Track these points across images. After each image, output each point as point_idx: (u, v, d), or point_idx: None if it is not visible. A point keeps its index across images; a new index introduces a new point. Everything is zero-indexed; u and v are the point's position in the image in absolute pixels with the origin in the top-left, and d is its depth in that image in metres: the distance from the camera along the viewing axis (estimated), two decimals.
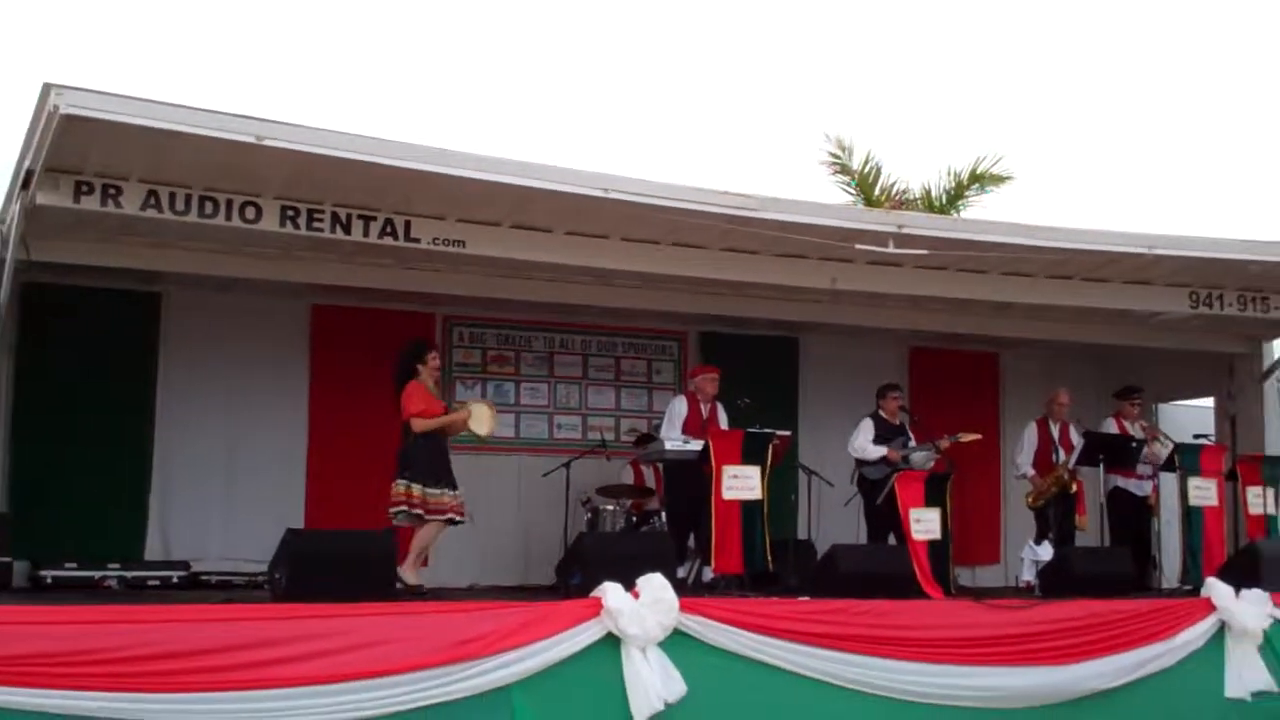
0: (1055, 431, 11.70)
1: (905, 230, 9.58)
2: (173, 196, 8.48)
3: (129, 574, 10.13)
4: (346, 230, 8.96)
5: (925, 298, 11.36)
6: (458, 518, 9.37)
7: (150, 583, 10.12)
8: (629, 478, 11.89)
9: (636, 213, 9.07)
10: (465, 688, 7.52)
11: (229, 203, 8.62)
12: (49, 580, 9.83)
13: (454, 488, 9.36)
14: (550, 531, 11.30)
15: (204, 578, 10.50)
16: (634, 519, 11.19)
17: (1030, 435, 11.84)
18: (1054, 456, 11.54)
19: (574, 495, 11.43)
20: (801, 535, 11.84)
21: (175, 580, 10.25)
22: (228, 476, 11.43)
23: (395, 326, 11.64)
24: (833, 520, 11.83)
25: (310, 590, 7.63)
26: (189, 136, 7.58)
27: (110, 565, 10.09)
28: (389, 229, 9.06)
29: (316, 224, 8.86)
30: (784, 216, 9.24)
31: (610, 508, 11.13)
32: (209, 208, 8.58)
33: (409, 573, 9.22)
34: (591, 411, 12.85)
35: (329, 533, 9.57)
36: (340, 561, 7.96)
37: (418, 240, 9.15)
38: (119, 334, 10.98)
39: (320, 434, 11.67)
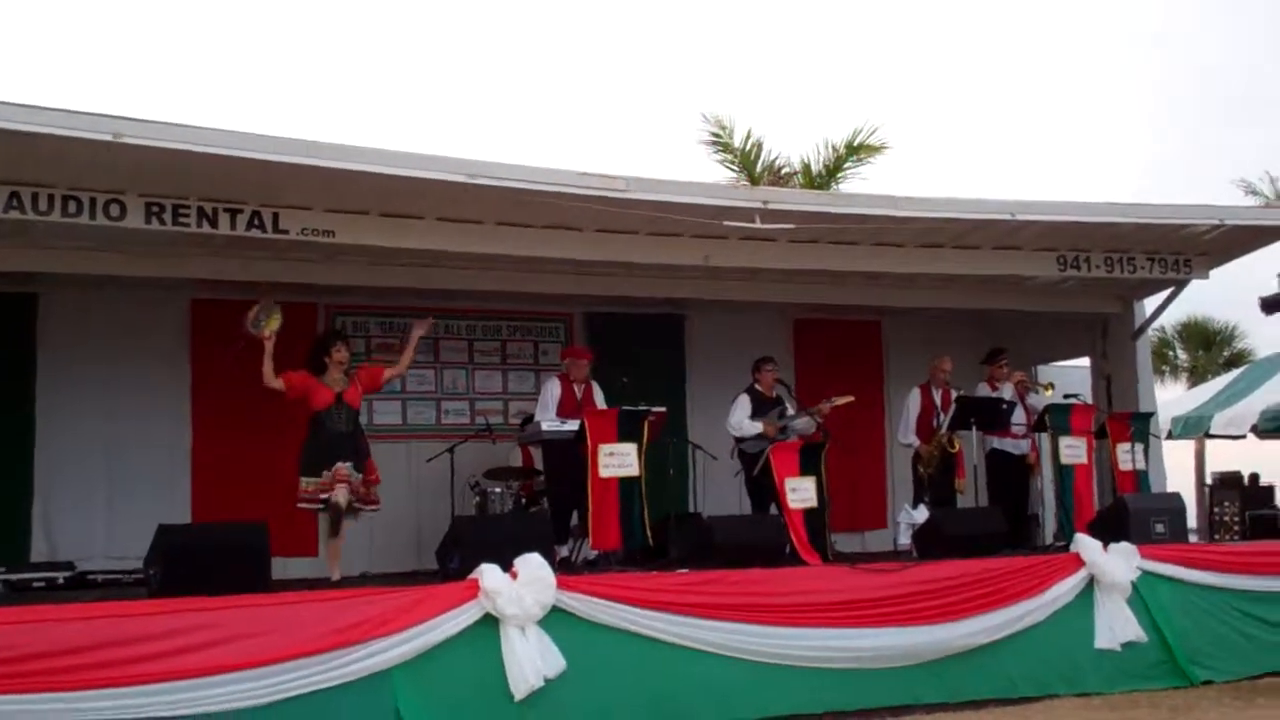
0: (938, 397, 11.98)
1: (771, 206, 9.73)
2: (35, 197, 8.46)
3: (13, 576, 10.09)
4: (213, 224, 8.94)
5: (800, 271, 11.51)
6: (338, 494, 9.46)
7: (35, 584, 10.08)
8: (518, 460, 11.97)
9: (506, 198, 9.15)
10: (346, 673, 7.61)
11: (93, 201, 8.60)
12: None
13: (354, 467, 9.55)
14: (441, 517, 11.32)
15: (90, 577, 10.45)
16: (524, 500, 11.30)
17: (913, 402, 12.12)
18: (935, 421, 11.82)
19: (463, 480, 11.50)
20: (690, 509, 12.06)
21: (61, 581, 10.20)
22: (111, 475, 11.42)
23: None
24: (720, 493, 12.03)
25: (185, 584, 7.69)
26: (46, 137, 7.56)
27: None
28: (256, 221, 9.06)
29: (182, 219, 8.84)
30: (651, 196, 9.36)
31: (499, 490, 11.23)
32: (73, 207, 8.56)
33: (332, 566, 9.55)
34: (479, 396, 12.93)
35: (202, 526, 9.65)
36: (214, 554, 8.03)
37: (286, 231, 9.16)
38: None
39: (204, 430, 11.68)
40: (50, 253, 9.76)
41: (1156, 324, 14.27)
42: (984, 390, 12.16)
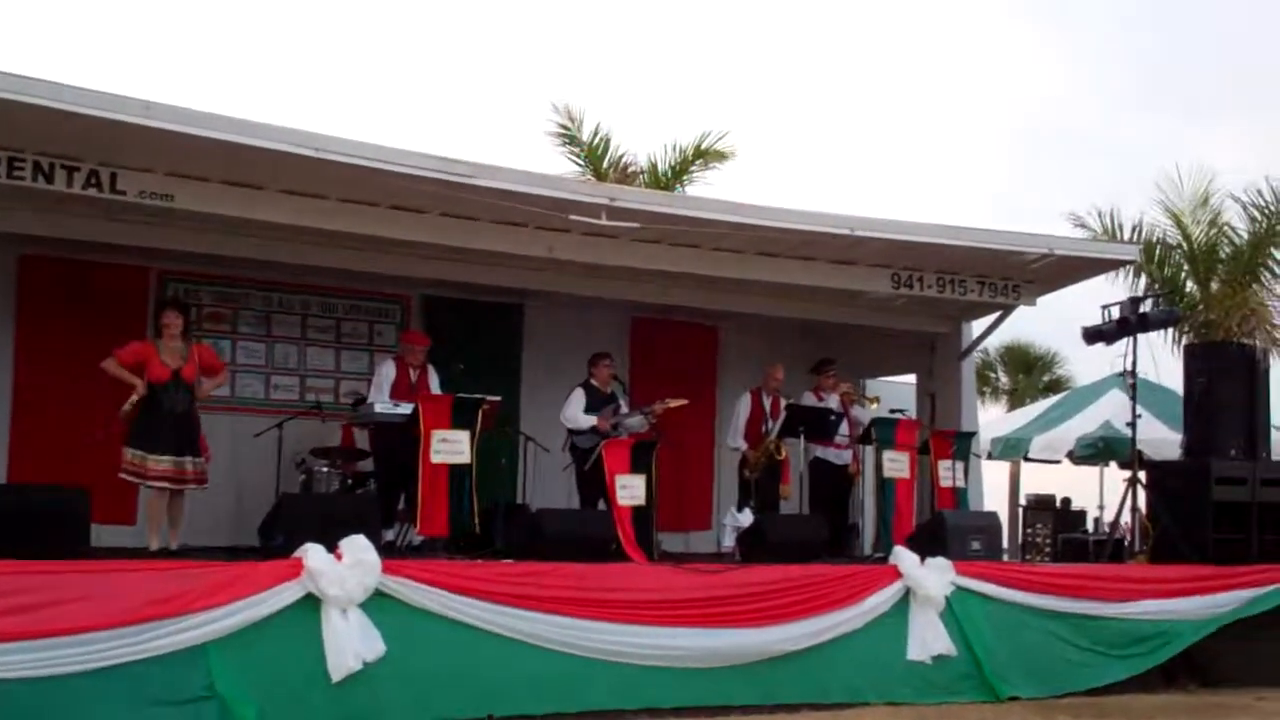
0: (768, 404, 12.22)
1: (617, 203, 9.85)
2: None
3: None
4: (49, 180, 8.75)
5: (641, 270, 11.64)
6: (171, 485, 9.44)
7: None
8: (337, 439, 11.88)
9: (351, 174, 9.10)
10: (161, 645, 7.48)
11: None
12: None
13: (191, 454, 9.52)
14: (263, 493, 11.16)
15: None
16: (349, 481, 11.21)
17: (743, 407, 12.33)
18: (764, 427, 12.03)
19: (289, 457, 11.36)
20: (519, 500, 12.09)
21: None
22: None
23: (107, 280, 11.48)
24: (550, 486, 12.07)
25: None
26: None
27: None
28: (94, 180, 8.89)
29: (17, 172, 8.66)
30: (497, 184, 9.39)
31: (324, 469, 11.11)
32: None
33: (151, 536, 9.48)
34: (310, 373, 12.79)
35: (19, 487, 9.40)
36: (31, 517, 7.85)
37: (123, 193, 8.99)
38: None
39: (26, 389, 11.35)
40: None
41: (980, 346, 14.71)
42: (810, 399, 12.45)
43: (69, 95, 7.94)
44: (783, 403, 12.09)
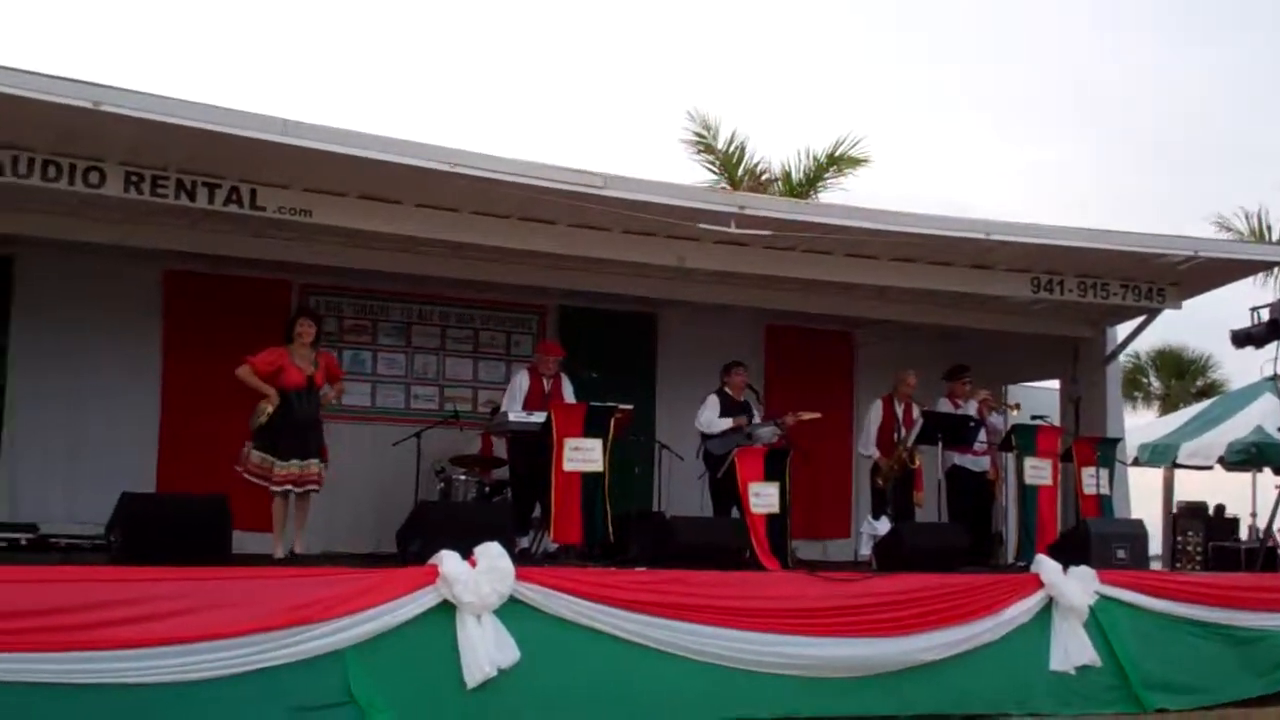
0: (899, 411, 12.11)
1: (746, 211, 9.83)
2: (15, 159, 8.50)
3: None
4: (191, 197, 9.00)
5: (774, 277, 11.61)
6: (295, 488, 9.59)
7: None
8: (476, 448, 12.11)
9: (484, 187, 9.21)
10: (300, 651, 7.65)
11: (73, 167, 8.64)
12: None
13: (315, 458, 9.66)
14: (404, 500, 11.36)
15: (52, 540, 10.44)
16: (486, 489, 11.39)
17: (875, 414, 12.23)
18: (896, 435, 11.94)
19: (428, 465, 11.59)
20: (654, 508, 12.15)
21: (24, 543, 10.17)
22: (78, 440, 11.47)
23: (249, 294, 11.79)
24: (685, 494, 12.11)
25: (145, 552, 7.77)
26: (26, 100, 7.60)
27: None
28: (234, 197, 9.12)
29: (160, 190, 8.90)
30: (627, 195, 9.43)
31: (462, 477, 11.32)
32: (52, 171, 8.60)
33: (276, 543, 9.59)
34: (449, 383, 13.02)
35: (164, 496, 9.73)
36: (175, 525, 8.09)
37: (263, 209, 9.21)
38: None
39: (173, 399, 11.73)
40: (28, 215, 9.78)
41: (1131, 350, 14.44)
42: (945, 406, 12.29)
43: (214, 116, 8.14)
44: (915, 410, 11.96)
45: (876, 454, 12.01)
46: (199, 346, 11.57)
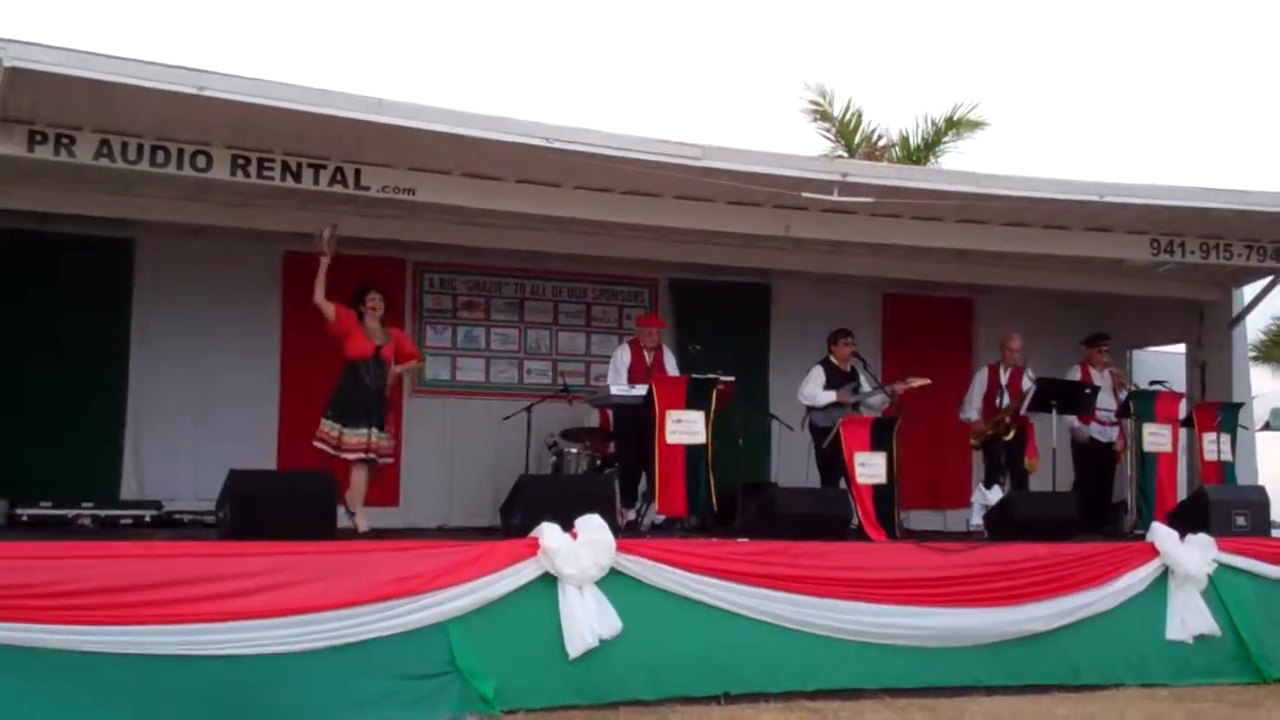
0: (1004, 376, 11.90)
1: (849, 179, 9.71)
2: (125, 146, 8.69)
3: (102, 513, 10.36)
4: (297, 178, 9.14)
5: (885, 245, 11.47)
6: (369, 456, 9.70)
7: (123, 521, 10.36)
8: (595, 422, 12.07)
9: (584, 162, 9.22)
10: (404, 623, 7.81)
11: (180, 152, 8.81)
12: (24, 519, 10.08)
13: (378, 428, 9.74)
14: (517, 474, 11.51)
15: (177, 516, 10.74)
16: (598, 462, 11.43)
17: (980, 380, 12.08)
18: (998, 401, 11.75)
19: (541, 439, 11.68)
20: (768, 480, 12.12)
21: (148, 519, 10.45)
22: (200, 420, 11.72)
23: (366, 272, 11.77)
24: (796, 465, 12.02)
25: (253, 528, 7.97)
26: (131, 88, 7.77)
27: (84, 504, 10.33)
28: (339, 177, 9.25)
29: (267, 172, 9.06)
30: (727, 165, 9.36)
31: (574, 450, 11.36)
32: (160, 157, 8.78)
33: (359, 515, 9.71)
34: (562, 357, 13.10)
35: (270, 473, 9.94)
36: (281, 500, 8.27)
37: (367, 188, 9.33)
38: (94, 277, 11.30)
39: (293, 378, 11.91)
40: (143, 200, 10.01)
41: (1270, 312, 13.98)
42: (1076, 374, 12.03)
43: (310, 97, 8.23)
44: (1026, 375, 11.74)
45: (976, 417, 11.86)
46: (316, 325, 11.71)
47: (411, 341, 10.77)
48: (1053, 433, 11.38)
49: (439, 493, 12.19)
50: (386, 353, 9.91)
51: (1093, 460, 12.05)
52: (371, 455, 9.67)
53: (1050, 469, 11.32)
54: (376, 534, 9.43)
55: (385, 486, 11.17)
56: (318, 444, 9.61)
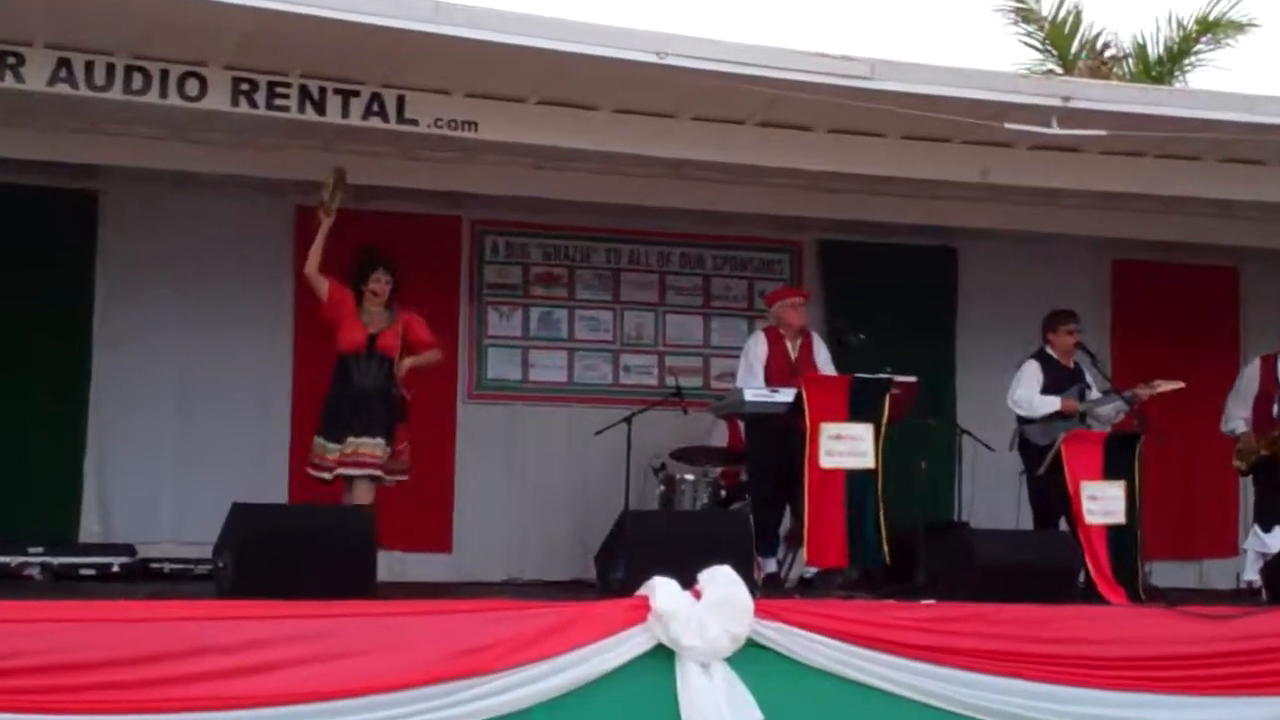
0: None
1: (1074, 104, 9.59)
2: (90, 66, 8.80)
3: (55, 560, 10.47)
4: (320, 109, 9.24)
5: (1119, 194, 11.46)
6: (354, 471, 9.77)
7: (83, 571, 10.44)
8: (722, 439, 12.02)
9: (706, 84, 9.22)
10: (472, 710, 7.80)
11: (164, 74, 8.92)
12: None
13: (370, 435, 9.82)
14: (612, 509, 11.37)
15: (154, 566, 10.83)
16: (724, 494, 11.39)
17: (1248, 378, 11.97)
18: (1275, 407, 11.62)
19: (644, 462, 11.66)
20: (955, 518, 12.06)
21: (116, 568, 10.52)
22: (186, 434, 11.83)
23: (411, 234, 11.88)
24: (996, 499, 11.93)
25: (264, 581, 8.00)
26: None
27: (31, 550, 10.43)
28: (376, 107, 9.33)
29: (280, 101, 9.15)
30: (904, 87, 9.28)
31: (691, 478, 11.35)
32: (138, 81, 8.89)
33: None
34: (671, 349, 13.16)
35: (288, 508, 10.00)
36: (304, 545, 8.36)
37: (415, 122, 9.40)
38: (44, 245, 11.38)
39: (308, 379, 11.89)
40: (114, 140, 10.18)
41: None
42: None
43: (344, 1, 8.28)
44: None
45: (1239, 428, 11.71)
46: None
47: (427, 327, 10.68)
48: None
49: (506, 534, 12.24)
50: (386, 343, 10.05)
51: None
52: (356, 471, 9.73)
53: None
54: (422, 590, 9.49)
55: (432, 525, 11.27)
56: (311, 471, 9.78)
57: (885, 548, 9.78)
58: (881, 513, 9.77)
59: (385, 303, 10.12)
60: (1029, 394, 11.22)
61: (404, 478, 10.18)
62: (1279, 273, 13.94)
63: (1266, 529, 11.34)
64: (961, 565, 9.59)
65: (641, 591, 8.30)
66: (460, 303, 12.34)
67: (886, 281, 13.13)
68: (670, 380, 12.51)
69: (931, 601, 9.19)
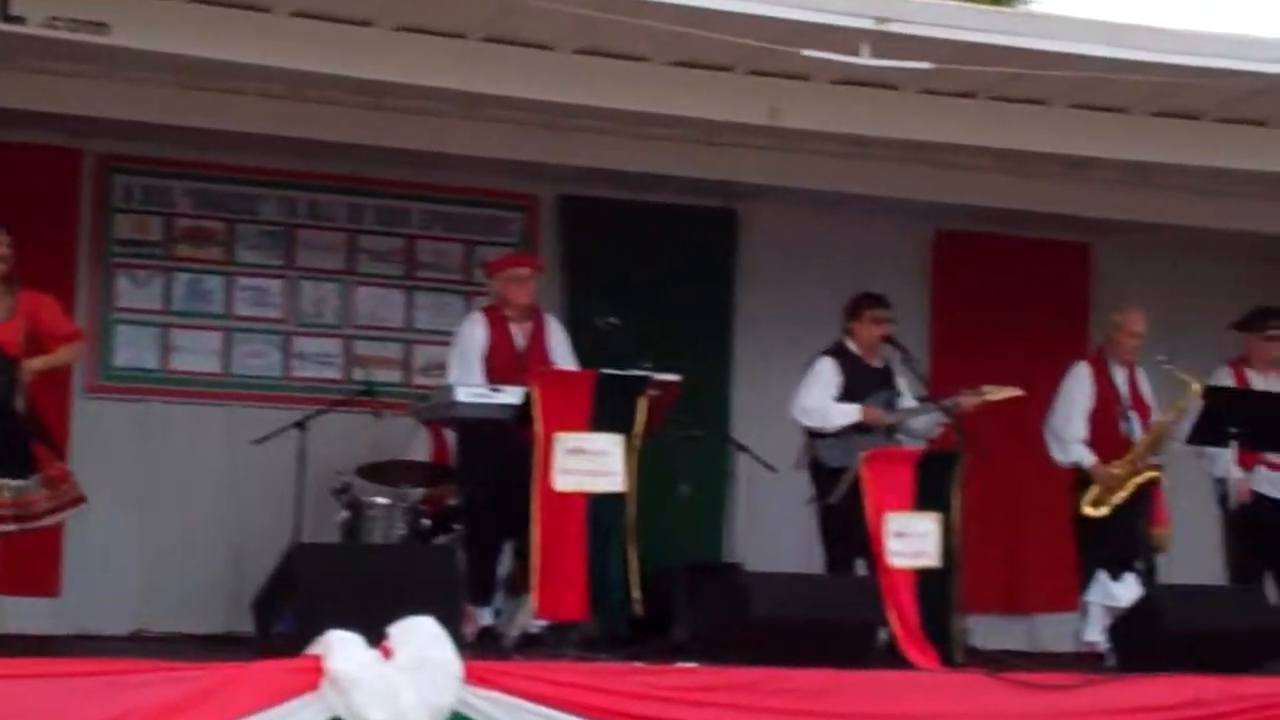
0: (1121, 379, 12.06)
1: (889, 27, 9.76)
2: None
3: None
4: None
5: (947, 146, 11.70)
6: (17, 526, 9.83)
7: None
8: (425, 451, 12.08)
9: None
10: None
11: None
12: None
13: (11, 476, 9.82)
14: (277, 542, 11.38)
15: None
16: (426, 523, 11.40)
17: (1078, 386, 12.05)
18: (1123, 424, 11.90)
19: (323, 479, 11.66)
20: (725, 558, 12.20)
21: None
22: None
23: (11, 171, 11.72)
24: (779, 533, 12.17)
25: None
26: None
27: None
28: None
29: None
30: None
31: (382, 502, 11.34)
32: None
33: None
34: (361, 332, 13.15)
35: None
36: None
37: (20, 20, 9.26)
38: None
39: None
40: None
41: None
42: (1226, 377, 12.19)
43: None
44: (1141, 376, 11.95)
45: (1086, 459, 11.93)
46: None
47: (64, 311, 10.64)
48: (1227, 481, 11.55)
49: (135, 573, 12.10)
50: (9, 341, 9.92)
51: (1259, 529, 12.14)
52: (33, 524, 9.82)
53: (1197, 542, 11.58)
54: (20, 646, 9.36)
55: (35, 559, 11.09)
56: None
57: (636, 595, 9.85)
58: (632, 550, 9.83)
59: (2, 279, 9.98)
60: (820, 401, 11.34)
61: (74, 511, 10.23)
62: (1144, 252, 14.33)
63: (1115, 577, 11.57)
64: (732, 618, 9.67)
65: (314, 649, 8.22)
66: (79, 264, 12.22)
67: (647, 251, 13.30)
68: (359, 373, 12.56)
69: (693, 664, 9.23)
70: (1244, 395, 11.88)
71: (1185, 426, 11.61)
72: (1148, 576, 11.56)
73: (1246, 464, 11.95)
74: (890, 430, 11.32)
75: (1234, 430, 11.41)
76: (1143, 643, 10.40)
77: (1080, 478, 11.94)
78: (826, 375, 11.44)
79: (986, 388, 11.27)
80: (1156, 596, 10.87)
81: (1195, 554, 11.92)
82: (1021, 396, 11.44)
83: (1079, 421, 11.99)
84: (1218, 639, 10.32)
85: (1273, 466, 12.20)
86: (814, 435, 11.39)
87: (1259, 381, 12.27)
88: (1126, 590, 11.25)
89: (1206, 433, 11.49)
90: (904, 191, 12.77)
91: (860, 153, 11.93)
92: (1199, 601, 10.92)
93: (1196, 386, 11.59)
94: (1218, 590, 11.30)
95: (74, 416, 12.08)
